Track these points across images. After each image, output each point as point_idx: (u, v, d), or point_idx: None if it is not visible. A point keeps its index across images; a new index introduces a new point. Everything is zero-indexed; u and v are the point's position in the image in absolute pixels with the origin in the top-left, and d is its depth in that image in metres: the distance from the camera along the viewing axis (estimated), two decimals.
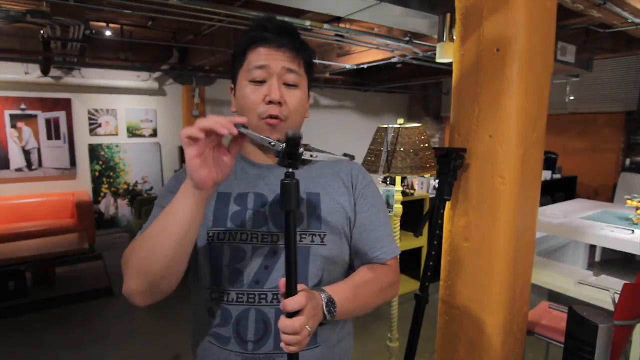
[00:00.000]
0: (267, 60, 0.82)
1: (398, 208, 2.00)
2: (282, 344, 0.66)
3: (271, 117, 0.82)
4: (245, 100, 0.83)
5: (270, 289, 0.81)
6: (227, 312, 0.82)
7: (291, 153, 0.64)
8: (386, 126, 1.70)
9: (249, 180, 0.88)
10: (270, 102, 0.81)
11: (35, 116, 4.93)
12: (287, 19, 2.84)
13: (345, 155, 0.74)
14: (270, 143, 0.66)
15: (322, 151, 0.70)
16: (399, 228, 2.01)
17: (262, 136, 0.68)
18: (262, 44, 0.83)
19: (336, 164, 0.94)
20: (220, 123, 0.64)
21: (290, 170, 0.65)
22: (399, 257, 0.95)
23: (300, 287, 0.69)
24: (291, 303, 0.65)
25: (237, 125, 0.66)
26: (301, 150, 0.65)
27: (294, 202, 0.65)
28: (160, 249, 0.69)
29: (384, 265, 0.90)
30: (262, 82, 0.82)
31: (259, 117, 0.82)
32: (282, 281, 0.67)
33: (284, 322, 0.65)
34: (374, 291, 0.86)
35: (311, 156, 0.67)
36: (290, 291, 0.66)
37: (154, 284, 0.72)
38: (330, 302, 0.75)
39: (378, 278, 0.88)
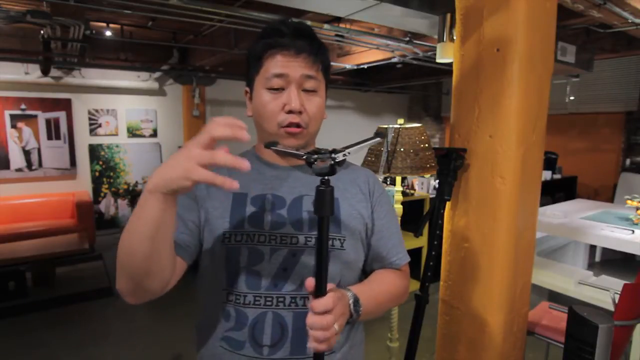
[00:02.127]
0: (286, 68, 0.80)
1: (398, 208, 2.00)
2: (310, 343, 0.65)
3: (291, 124, 0.81)
4: (263, 108, 0.82)
5: (288, 292, 0.79)
6: (242, 315, 0.80)
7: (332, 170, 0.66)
8: (386, 126, 1.70)
9: (266, 182, 0.87)
10: (290, 111, 0.80)
11: (35, 116, 4.93)
12: None
13: (377, 134, 0.73)
14: (302, 157, 0.66)
15: (348, 146, 0.69)
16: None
17: (295, 152, 0.70)
18: (279, 50, 0.80)
19: (352, 170, 0.95)
20: (239, 164, 0.58)
21: (326, 177, 0.65)
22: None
23: (330, 286, 0.68)
24: (319, 304, 0.65)
25: (267, 144, 0.72)
26: (334, 156, 0.65)
27: (329, 208, 0.65)
28: (133, 250, 0.67)
29: (398, 271, 0.93)
30: (280, 89, 0.81)
31: (278, 125, 0.82)
32: (310, 280, 0.66)
33: (313, 318, 0.64)
34: (391, 294, 0.89)
35: (344, 155, 0.67)
36: (320, 292, 0.66)
37: (137, 283, 0.70)
38: (357, 302, 0.76)
39: (395, 282, 0.91)
